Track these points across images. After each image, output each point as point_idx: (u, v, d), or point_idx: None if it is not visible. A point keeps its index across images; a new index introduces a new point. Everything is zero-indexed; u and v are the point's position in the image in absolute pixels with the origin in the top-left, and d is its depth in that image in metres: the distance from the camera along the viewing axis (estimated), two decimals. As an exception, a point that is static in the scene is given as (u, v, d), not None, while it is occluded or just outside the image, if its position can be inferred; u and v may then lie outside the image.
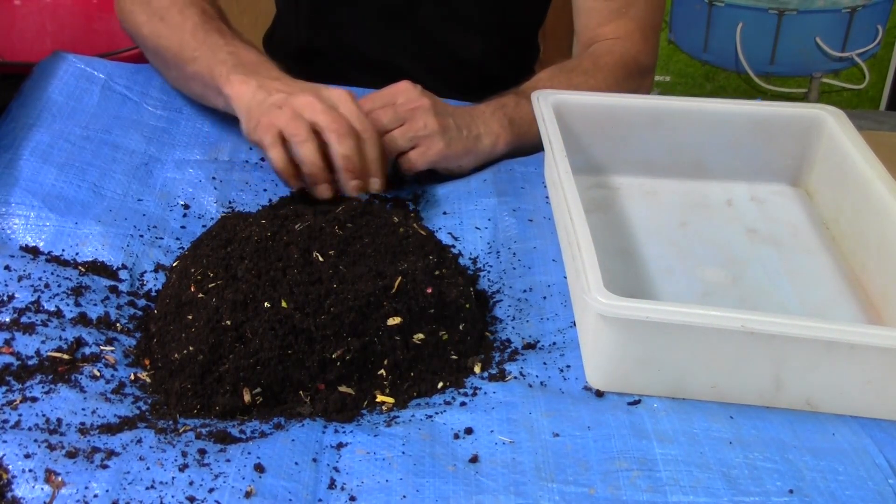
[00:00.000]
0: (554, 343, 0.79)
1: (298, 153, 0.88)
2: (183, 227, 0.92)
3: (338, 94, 0.92)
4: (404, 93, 0.98)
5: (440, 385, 0.75)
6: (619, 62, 1.12)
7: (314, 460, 0.65)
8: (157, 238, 0.89)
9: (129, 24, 1.10)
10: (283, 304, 0.73)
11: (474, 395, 0.73)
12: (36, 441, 0.64)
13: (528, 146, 1.05)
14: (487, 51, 1.29)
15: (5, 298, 0.78)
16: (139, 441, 0.65)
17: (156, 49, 1.06)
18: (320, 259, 0.77)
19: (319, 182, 0.90)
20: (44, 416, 0.67)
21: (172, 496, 0.61)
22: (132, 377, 0.74)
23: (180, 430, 0.67)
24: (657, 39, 1.20)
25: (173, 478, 0.62)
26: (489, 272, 0.88)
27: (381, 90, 0.99)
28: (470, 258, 0.90)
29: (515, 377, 0.75)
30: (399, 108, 0.97)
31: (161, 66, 1.09)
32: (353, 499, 0.62)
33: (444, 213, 0.96)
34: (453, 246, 0.92)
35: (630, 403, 0.72)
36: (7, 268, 0.81)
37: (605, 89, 1.08)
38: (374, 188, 0.91)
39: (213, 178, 0.98)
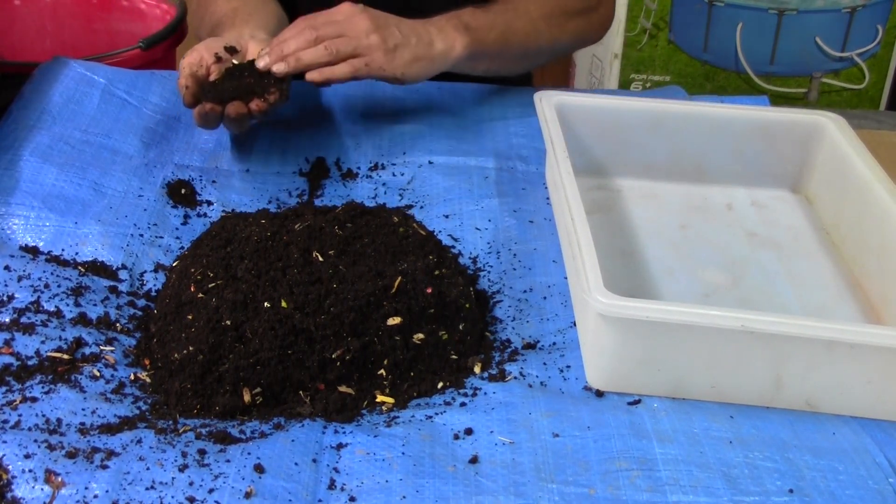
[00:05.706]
0: (554, 343, 0.79)
1: None
2: (187, 218, 0.91)
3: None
4: (343, 11, 1.00)
5: (440, 385, 0.75)
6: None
7: (314, 461, 0.65)
8: (156, 237, 0.89)
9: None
10: (283, 304, 0.73)
11: (474, 395, 0.73)
12: (36, 441, 0.63)
13: (491, 57, 1.06)
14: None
15: (5, 298, 0.78)
16: (139, 441, 0.65)
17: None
18: (320, 259, 0.77)
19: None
20: (44, 416, 0.67)
21: (172, 496, 0.61)
22: (132, 377, 0.74)
23: (180, 431, 0.67)
24: None
25: (173, 478, 0.62)
26: (489, 272, 0.88)
27: (321, 13, 1.01)
28: (470, 258, 0.90)
29: (515, 377, 0.75)
30: (338, 23, 0.99)
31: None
32: (352, 499, 0.62)
33: (445, 214, 0.96)
34: (453, 246, 0.91)
35: (630, 403, 0.72)
36: (7, 268, 0.81)
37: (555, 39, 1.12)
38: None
39: (214, 181, 0.98)
